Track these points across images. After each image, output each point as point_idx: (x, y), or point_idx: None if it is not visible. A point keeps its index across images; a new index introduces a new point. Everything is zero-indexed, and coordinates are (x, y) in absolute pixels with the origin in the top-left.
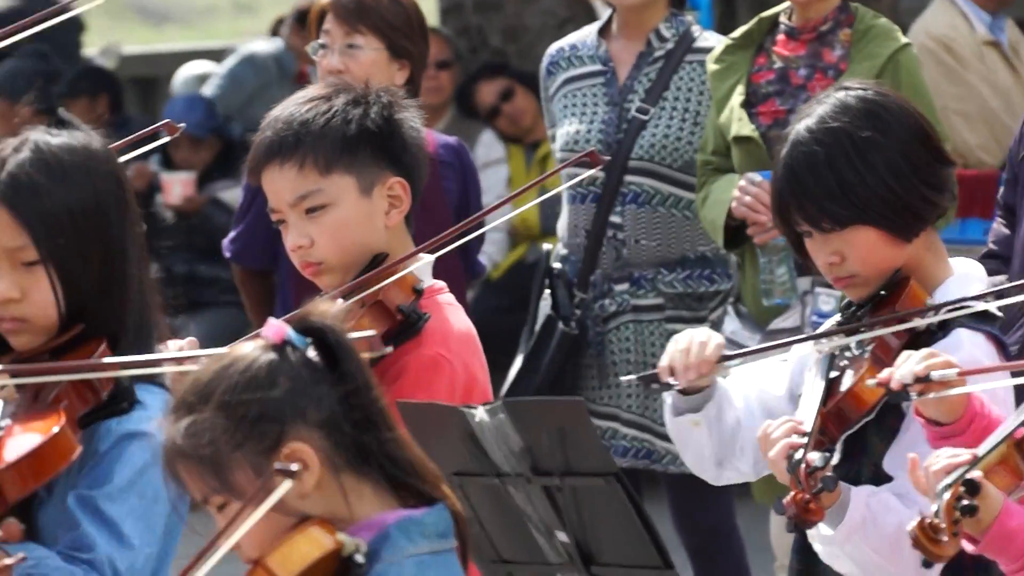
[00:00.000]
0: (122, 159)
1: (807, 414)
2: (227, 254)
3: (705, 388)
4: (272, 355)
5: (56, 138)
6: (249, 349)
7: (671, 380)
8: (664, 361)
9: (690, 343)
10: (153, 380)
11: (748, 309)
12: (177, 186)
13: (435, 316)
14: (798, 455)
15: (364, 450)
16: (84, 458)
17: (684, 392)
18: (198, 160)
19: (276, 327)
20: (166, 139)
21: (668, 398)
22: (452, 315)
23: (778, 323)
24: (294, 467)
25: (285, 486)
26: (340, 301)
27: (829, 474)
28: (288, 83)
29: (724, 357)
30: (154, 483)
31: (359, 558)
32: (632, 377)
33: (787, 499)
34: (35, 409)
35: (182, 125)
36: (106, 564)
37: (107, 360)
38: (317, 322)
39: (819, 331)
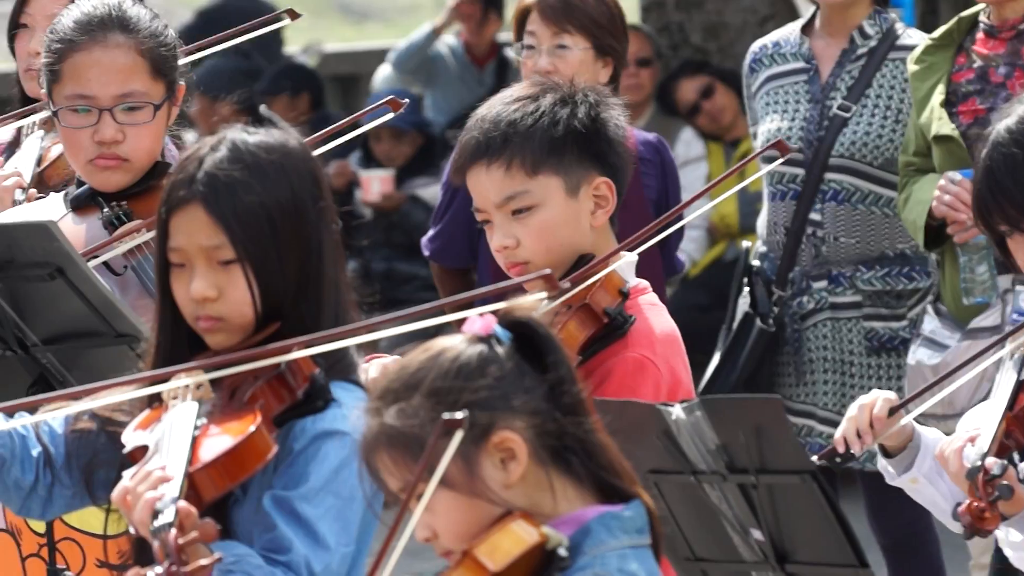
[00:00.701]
0: (319, 151)
1: (991, 417)
2: (426, 252)
3: (906, 445)
4: (481, 347)
5: (253, 136)
6: (456, 341)
7: (853, 451)
8: (837, 435)
9: (858, 409)
10: (348, 378)
11: (948, 308)
12: (376, 183)
13: (639, 317)
14: (977, 461)
15: (567, 444)
16: (280, 457)
17: (887, 455)
18: (398, 154)
19: (484, 321)
20: (389, 115)
21: (885, 467)
22: (656, 316)
23: (978, 322)
24: (459, 415)
25: (458, 436)
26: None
27: (1006, 482)
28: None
29: (893, 408)
30: (350, 482)
31: (562, 551)
32: (814, 459)
33: (962, 507)
34: (231, 409)
35: (406, 101)
36: (303, 565)
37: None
38: (522, 316)
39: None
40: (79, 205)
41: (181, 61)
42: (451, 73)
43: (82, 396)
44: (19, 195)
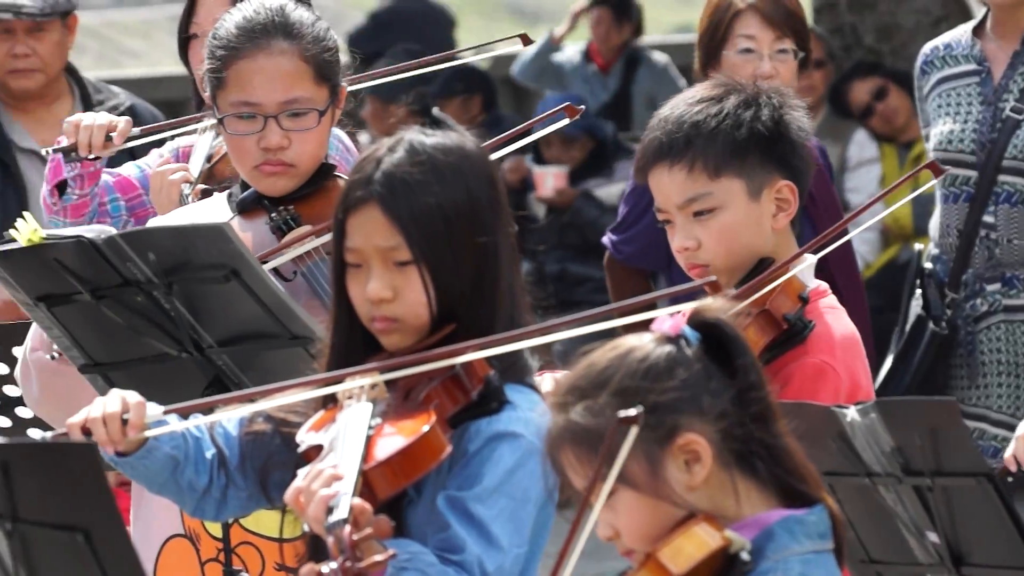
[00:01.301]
0: (494, 156)
1: None
2: (618, 256)
3: None
4: (669, 347)
5: (430, 138)
6: (644, 341)
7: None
8: (1008, 454)
9: None
10: (523, 381)
11: None
12: (549, 179)
13: (819, 322)
14: None
15: (752, 447)
16: (454, 459)
17: None
18: (569, 159)
19: (673, 321)
20: (565, 121)
21: None
22: (836, 320)
23: None
24: (634, 411)
25: (633, 432)
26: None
27: None
28: None
29: None
30: (523, 484)
31: (745, 556)
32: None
33: None
34: (405, 408)
35: (582, 108)
36: (475, 565)
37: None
38: (711, 318)
39: None
40: (245, 208)
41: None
42: (575, 78)
43: (257, 398)
44: (186, 189)
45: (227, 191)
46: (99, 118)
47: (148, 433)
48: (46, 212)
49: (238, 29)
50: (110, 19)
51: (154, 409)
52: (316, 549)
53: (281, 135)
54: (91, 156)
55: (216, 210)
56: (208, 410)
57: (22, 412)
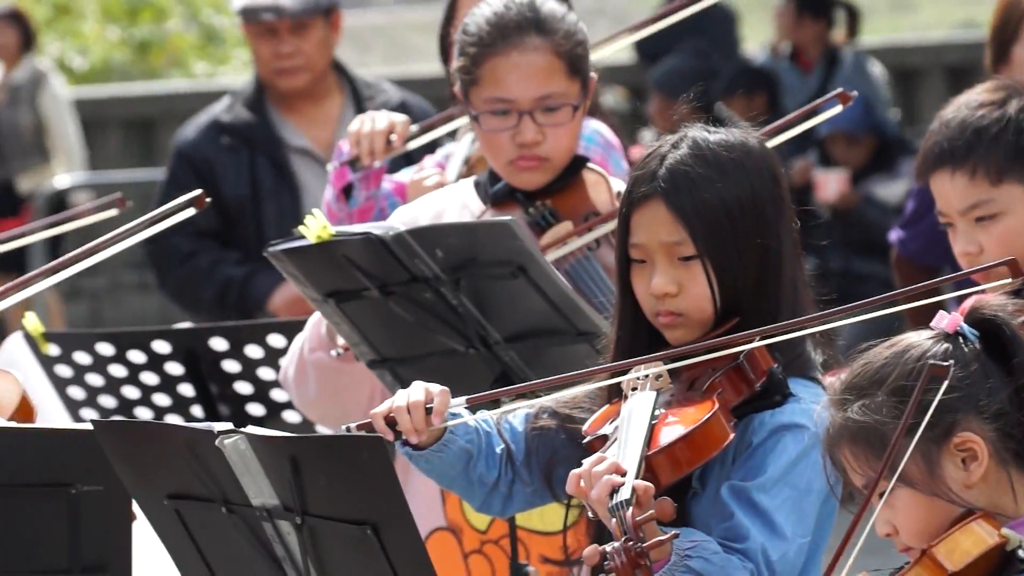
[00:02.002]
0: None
1: None
2: (904, 252)
3: None
4: (947, 345)
5: (714, 135)
6: (922, 339)
7: None
8: None
9: None
10: (806, 375)
11: None
12: (832, 183)
13: None
14: None
15: None
16: (738, 450)
17: None
18: (853, 157)
19: (951, 318)
20: (838, 108)
21: None
22: None
23: None
24: (945, 363)
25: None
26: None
27: None
28: None
29: None
30: (806, 475)
31: (1022, 553)
32: None
33: None
34: (689, 397)
35: (854, 93)
36: (759, 553)
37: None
38: (989, 315)
39: None
40: (498, 201)
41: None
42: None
43: (545, 390)
44: None
45: (474, 178)
46: (377, 123)
47: (447, 424)
48: (330, 219)
49: (489, 25)
50: (398, 17)
51: (456, 400)
52: (600, 534)
53: (536, 130)
54: (376, 164)
55: (463, 197)
56: (496, 404)
57: (252, 409)
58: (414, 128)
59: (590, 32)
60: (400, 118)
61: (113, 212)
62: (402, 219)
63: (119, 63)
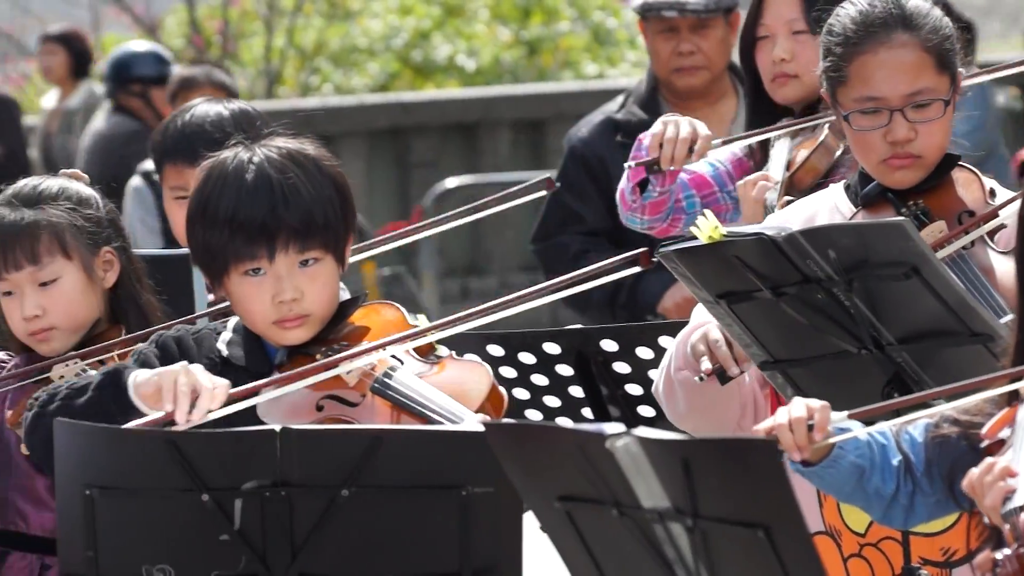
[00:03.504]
0: None
1: None
2: None
3: None
4: None
5: None
6: None
7: None
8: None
9: None
10: None
11: None
12: None
13: None
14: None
15: None
16: None
17: None
18: None
19: None
20: None
21: None
22: None
23: None
24: None
25: None
26: None
27: None
28: None
29: None
30: None
31: None
32: None
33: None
34: None
35: None
36: None
37: None
38: None
39: None
40: (869, 202)
41: None
42: None
43: (936, 399)
44: (771, 196)
45: (843, 182)
46: (682, 131)
47: (833, 439)
48: (623, 208)
49: (855, 24)
50: None
51: (838, 415)
52: (996, 539)
53: (908, 128)
54: (671, 168)
55: (834, 199)
56: (890, 414)
57: (643, 411)
58: (716, 142)
59: (982, 31)
60: (703, 130)
61: (542, 192)
62: (774, 223)
63: (509, 63)
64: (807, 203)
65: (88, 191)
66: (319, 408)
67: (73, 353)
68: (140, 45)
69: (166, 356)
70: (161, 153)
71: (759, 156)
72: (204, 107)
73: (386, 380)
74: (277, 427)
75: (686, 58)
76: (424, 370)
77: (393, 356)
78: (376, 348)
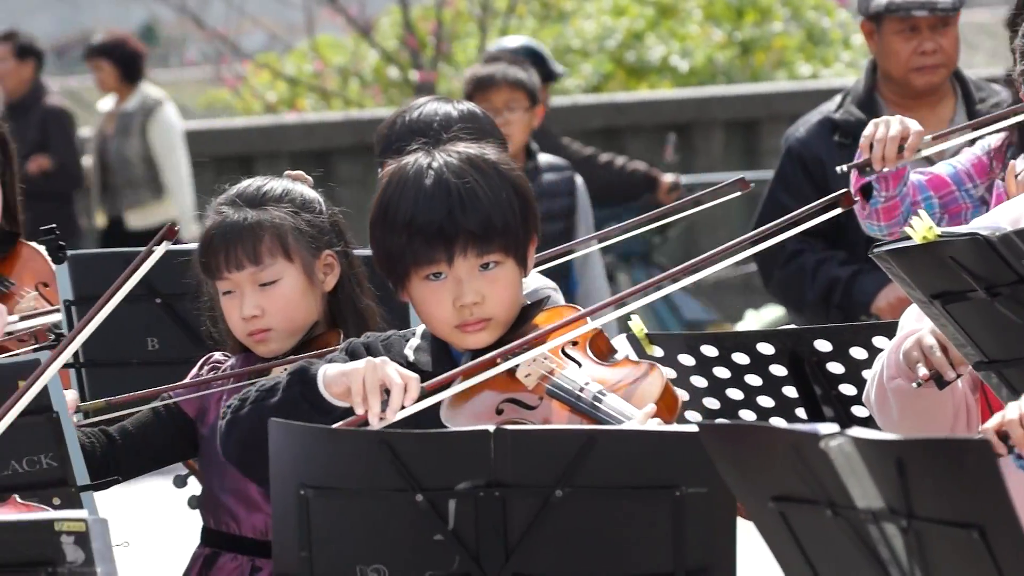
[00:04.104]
0: None
1: None
2: None
3: None
4: None
5: None
6: None
7: None
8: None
9: None
10: None
11: None
12: None
13: None
14: None
15: None
16: None
17: None
18: None
19: None
20: None
21: None
22: None
23: None
24: None
25: None
26: None
27: None
28: None
29: None
30: None
31: None
32: None
33: None
34: None
35: None
36: None
37: None
38: None
39: None
40: None
41: None
42: None
43: None
44: None
45: None
46: (891, 129)
47: None
48: (860, 216)
49: None
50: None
51: None
52: None
53: None
54: (884, 169)
55: None
56: None
57: (857, 411)
58: (927, 138)
59: None
60: (914, 126)
61: (737, 193)
62: (982, 224)
63: (722, 64)
64: (1014, 204)
65: (312, 194)
66: (499, 411)
67: (293, 357)
68: (513, 41)
69: None
70: (385, 146)
71: (1003, 154)
72: (433, 105)
73: (561, 383)
74: (491, 427)
75: (928, 57)
76: (600, 372)
77: (571, 359)
78: (578, 320)
